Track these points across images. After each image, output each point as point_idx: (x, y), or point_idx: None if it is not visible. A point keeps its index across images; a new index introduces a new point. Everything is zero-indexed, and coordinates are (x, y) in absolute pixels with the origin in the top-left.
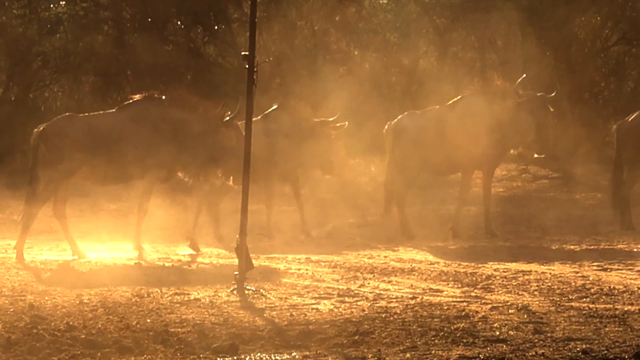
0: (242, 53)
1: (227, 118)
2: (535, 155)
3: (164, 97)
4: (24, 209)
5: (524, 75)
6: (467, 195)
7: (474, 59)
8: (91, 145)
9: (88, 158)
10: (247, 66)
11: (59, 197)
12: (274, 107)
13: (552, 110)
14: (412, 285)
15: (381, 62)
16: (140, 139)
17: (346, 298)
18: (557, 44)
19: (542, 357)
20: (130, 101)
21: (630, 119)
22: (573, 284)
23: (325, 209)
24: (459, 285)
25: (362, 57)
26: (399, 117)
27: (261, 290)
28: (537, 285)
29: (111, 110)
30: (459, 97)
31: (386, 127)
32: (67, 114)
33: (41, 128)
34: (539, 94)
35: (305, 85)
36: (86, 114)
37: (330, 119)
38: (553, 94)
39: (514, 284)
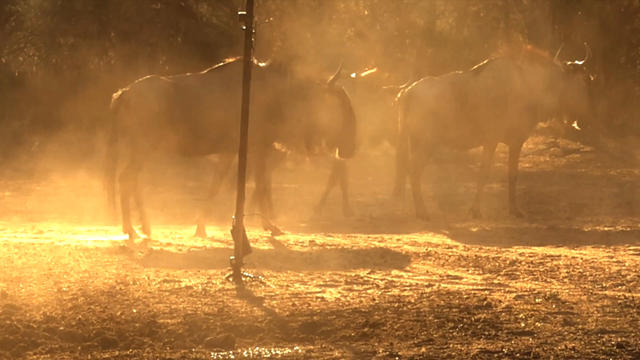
0: (239, 12)
1: (328, 82)
2: (576, 127)
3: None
4: (104, 186)
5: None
6: (490, 172)
7: (497, 19)
8: (177, 112)
9: (173, 126)
10: (244, 27)
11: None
12: (486, 60)
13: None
14: (427, 271)
15: (394, 23)
16: (233, 106)
17: (354, 286)
18: (590, 2)
19: (572, 352)
20: (223, 63)
21: None
22: (607, 270)
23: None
24: (480, 272)
25: (372, 18)
26: (414, 83)
27: (260, 277)
28: (567, 272)
29: (200, 73)
30: (485, 62)
31: (399, 94)
32: (148, 76)
33: (120, 92)
34: (576, 62)
35: (310, 48)
36: (169, 76)
37: (401, 87)
38: (584, 60)
39: (541, 270)
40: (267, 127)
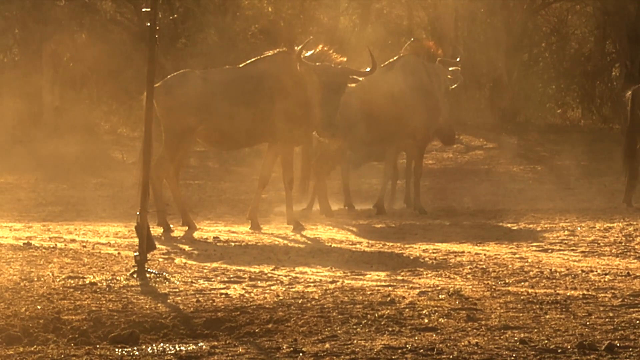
0: (143, 9)
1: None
2: None
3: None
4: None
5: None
6: (395, 168)
7: (401, 16)
8: (209, 105)
9: (204, 119)
10: (148, 24)
11: (175, 159)
12: (396, 57)
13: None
14: (331, 267)
15: (297, 20)
16: (269, 98)
17: (259, 282)
18: (493, 0)
19: (475, 347)
20: (260, 57)
21: None
22: (510, 266)
23: (238, 183)
24: (384, 268)
25: (276, 15)
26: None
27: (164, 273)
28: (470, 268)
29: (238, 66)
30: (395, 58)
31: None
32: (182, 70)
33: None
34: (438, 59)
35: (214, 45)
36: (204, 69)
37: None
38: (457, 59)
39: (445, 266)
40: (298, 116)
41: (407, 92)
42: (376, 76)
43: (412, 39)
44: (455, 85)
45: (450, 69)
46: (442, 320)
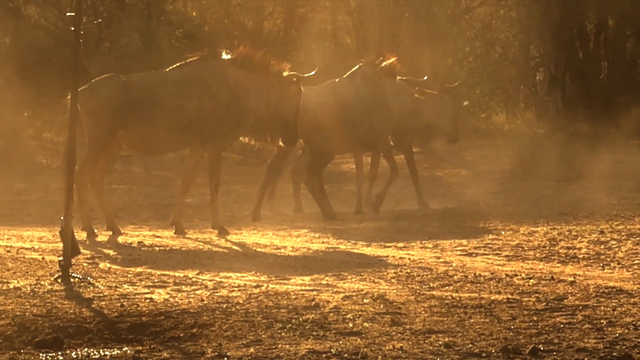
0: (67, 14)
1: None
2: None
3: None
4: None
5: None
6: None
7: (325, 20)
8: (133, 109)
9: (128, 123)
10: (72, 28)
11: (100, 163)
12: (357, 66)
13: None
14: (256, 272)
15: (223, 25)
16: (195, 103)
17: (183, 287)
18: (417, 4)
19: (400, 352)
20: (185, 61)
21: None
22: (434, 270)
23: (162, 188)
24: (308, 272)
25: (201, 19)
26: None
27: (88, 278)
28: (394, 272)
29: (162, 71)
30: (355, 68)
31: None
32: (106, 74)
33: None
34: (404, 78)
35: (139, 49)
36: (130, 74)
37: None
38: (425, 78)
39: (369, 270)
40: (226, 121)
41: (360, 102)
42: (342, 87)
43: (380, 58)
44: (457, 83)
45: (417, 88)
46: (367, 325)
